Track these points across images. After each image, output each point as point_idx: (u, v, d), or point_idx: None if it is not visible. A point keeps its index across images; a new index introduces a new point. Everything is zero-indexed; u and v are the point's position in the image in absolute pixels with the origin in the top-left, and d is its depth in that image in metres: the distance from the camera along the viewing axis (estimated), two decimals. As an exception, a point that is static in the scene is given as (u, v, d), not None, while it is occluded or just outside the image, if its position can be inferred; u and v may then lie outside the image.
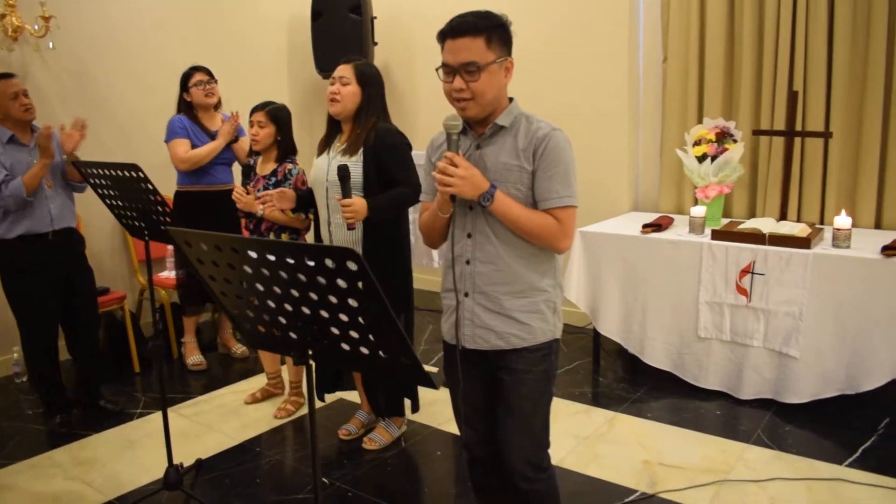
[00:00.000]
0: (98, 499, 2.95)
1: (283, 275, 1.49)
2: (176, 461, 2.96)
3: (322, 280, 1.43)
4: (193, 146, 4.01)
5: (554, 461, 2.22)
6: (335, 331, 1.54)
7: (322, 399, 3.50)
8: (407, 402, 3.39)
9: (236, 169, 4.11)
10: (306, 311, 1.54)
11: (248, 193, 3.34)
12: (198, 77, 4.04)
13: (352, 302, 1.43)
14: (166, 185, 4.15)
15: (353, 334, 1.52)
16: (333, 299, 1.46)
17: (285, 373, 3.82)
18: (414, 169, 3.00)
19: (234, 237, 1.53)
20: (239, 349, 4.54)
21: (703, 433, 3.33)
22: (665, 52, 4.35)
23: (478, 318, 2.02)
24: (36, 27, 4.08)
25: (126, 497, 2.95)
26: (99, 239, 4.56)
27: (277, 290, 1.55)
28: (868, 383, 3.24)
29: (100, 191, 2.85)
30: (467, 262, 2.02)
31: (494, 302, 2.00)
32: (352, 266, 1.35)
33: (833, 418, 3.39)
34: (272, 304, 1.61)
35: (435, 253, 3.80)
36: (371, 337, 1.50)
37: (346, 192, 2.76)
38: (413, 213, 3.70)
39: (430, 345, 4.63)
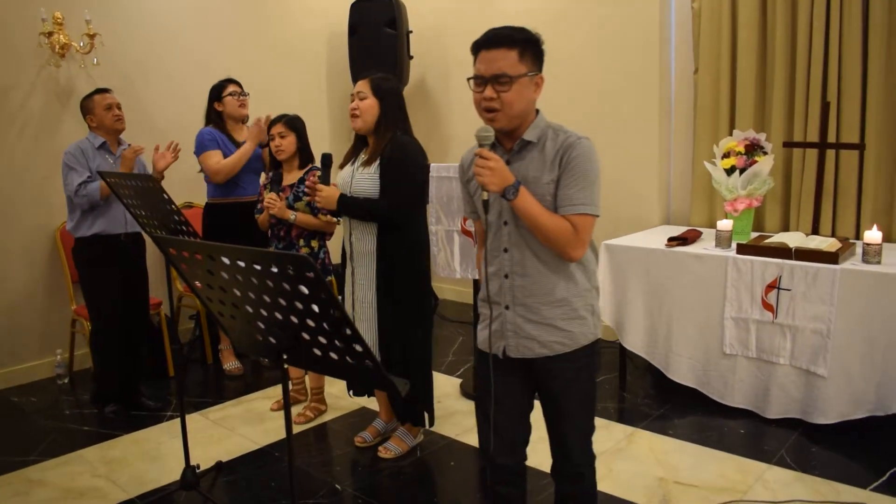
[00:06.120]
0: (120, 496, 3.06)
1: (255, 281, 1.54)
2: (197, 462, 3.06)
3: (287, 286, 1.47)
4: (225, 157, 4.09)
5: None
6: (306, 336, 1.59)
7: (350, 395, 3.55)
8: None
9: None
10: (279, 316, 1.59)
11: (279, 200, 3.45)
12: (232, 87, 4.14)
13: (315, 308, 1.47)
14: (203, 196, 4.30)
15: (322, 339, 1.56)
16: (300, 305, 1.50)
17: (308, 379, 3.89)
18: (405, 187, 3.03)
19: (210, 244, 1.59)
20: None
21: (724, 452, 3.25)
22: (696, 64, 4.29)
23: (521, 330, 2.07)
24: (82, 44, 4.29)
25: (147, 496, 3.05)
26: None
27: (252, 295, 1.60)
28: (899, 405, 3.12)
29: (125, 200, 2.98)
30: (505, 276, 2.06)
31: (535, 312, 2.05)
32: (309, 273, 1.39)
33: (862, 440, 3.26)
34: (250, 310, 1.66)
35: (457, 264, 3.80)
36: (337, 343, 1.54)
37: (324, 178, 2.95)
38: (434, 226, 3.74)
39: (459, 356, 4.64)
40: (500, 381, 2.14)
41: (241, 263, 1.52)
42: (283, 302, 1.53)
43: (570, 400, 2.12)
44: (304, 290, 1.44)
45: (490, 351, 2.12)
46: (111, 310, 3.78)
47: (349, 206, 3.01)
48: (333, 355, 1.58)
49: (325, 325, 1.50)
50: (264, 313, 1.62)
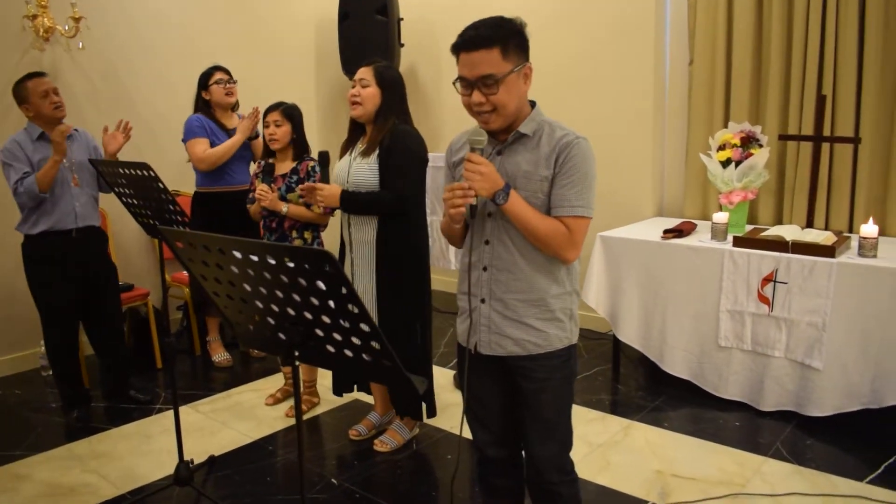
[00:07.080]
0: (112, 492, 3.00)
1: (267, 276, 1.49)
2: (191, 457, 3.00)
3: (303, 282, 1.43)
4: (213, 145, 4.00)
5: (567, 467, 2.22)
6: (319, 333, 1.54)
7: (339, 395, 3.51)
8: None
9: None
10: (291, 312, 1.55)
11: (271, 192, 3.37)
12: (219, 75, 4.05)
13: (332, 304, 1.43)
14: (190, 184, 4.22)
15: (337, 336, 1.52)
16: (315, 301, 1.46)
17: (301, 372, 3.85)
18: (409, 178, 2.99)
19: (222, 237, 1.53)
20: (259, 347, 4.56)
21: (720, 444, 3.26)
22: (692, 55, 4.28)
23: (494, 325, 2.01)
24: (66, 27, 4.18)
25: (139, 491, 2.99)
26: (128, 236, 4.64)
27: (263, 290, 1.55)
28: (893, 398, 3.13)
29: (117, 189, 2.90)
30: (484, 269, 2.00)
31: (511, 309, 1.99)
32: (328, 269, 1.35)
33: (856, 433, 3.29)
34: (260, 305, 1.61)
35: (452, 255, 3.78)
36: (354, 340, 1.50)
37: (324, 177, 2.96)
38: (430, 217, 3.70)
39: (451, 347, 4.61)
40: (477, 376, 2.10)
41: (254, 258, 1.47)
42: (297, 298, 1.48)
43: (543, 403, 2.05)
44: (322, 285, 1.40)
45: (466, 345, 2.08)
46: (62, 313, 3.56)
47: (352, 203, 2.98)
48: (348, 352, 1.54)
49: (341, 321, 1.46)
50: (276, 309, 1.57)
